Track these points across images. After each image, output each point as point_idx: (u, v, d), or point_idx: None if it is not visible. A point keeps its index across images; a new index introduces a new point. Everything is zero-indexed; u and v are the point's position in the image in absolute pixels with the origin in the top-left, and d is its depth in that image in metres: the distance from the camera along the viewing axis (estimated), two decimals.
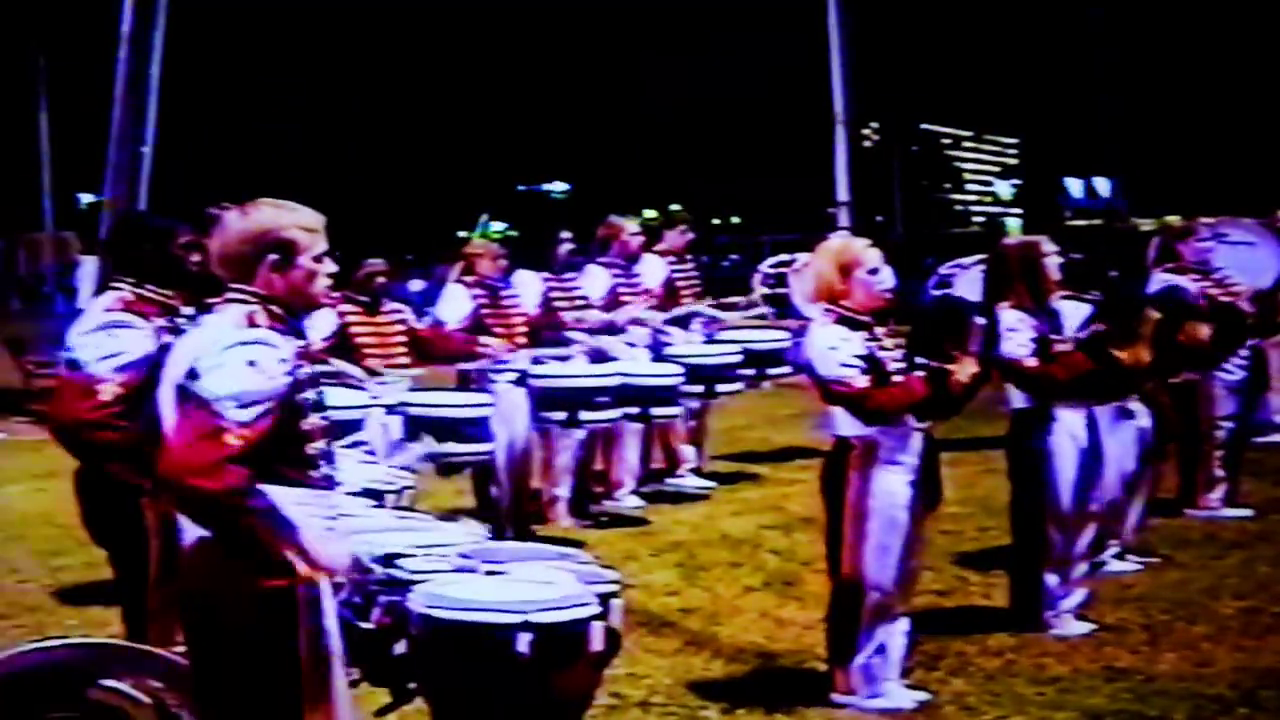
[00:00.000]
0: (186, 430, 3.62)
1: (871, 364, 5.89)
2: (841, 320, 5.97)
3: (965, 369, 5.95)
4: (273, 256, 3.82)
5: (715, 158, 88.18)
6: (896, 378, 5.92)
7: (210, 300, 5.23)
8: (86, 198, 50.84)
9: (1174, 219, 10.40)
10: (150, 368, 5.33)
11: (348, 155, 78.53)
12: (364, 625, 4.43)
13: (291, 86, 79.90)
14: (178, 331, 5.32)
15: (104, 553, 5.90)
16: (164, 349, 5.32)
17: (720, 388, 10.53)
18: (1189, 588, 7.77)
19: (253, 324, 3.74)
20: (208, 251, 5.35)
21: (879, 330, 6.04)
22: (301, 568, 3.72)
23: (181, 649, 4.20)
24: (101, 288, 6.10)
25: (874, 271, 6.02)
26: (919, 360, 5.99)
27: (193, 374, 3.68)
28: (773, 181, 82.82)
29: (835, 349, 5.91)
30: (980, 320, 6.60)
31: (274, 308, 3.81)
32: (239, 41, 72.94)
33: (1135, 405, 7.90)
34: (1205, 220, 10.40)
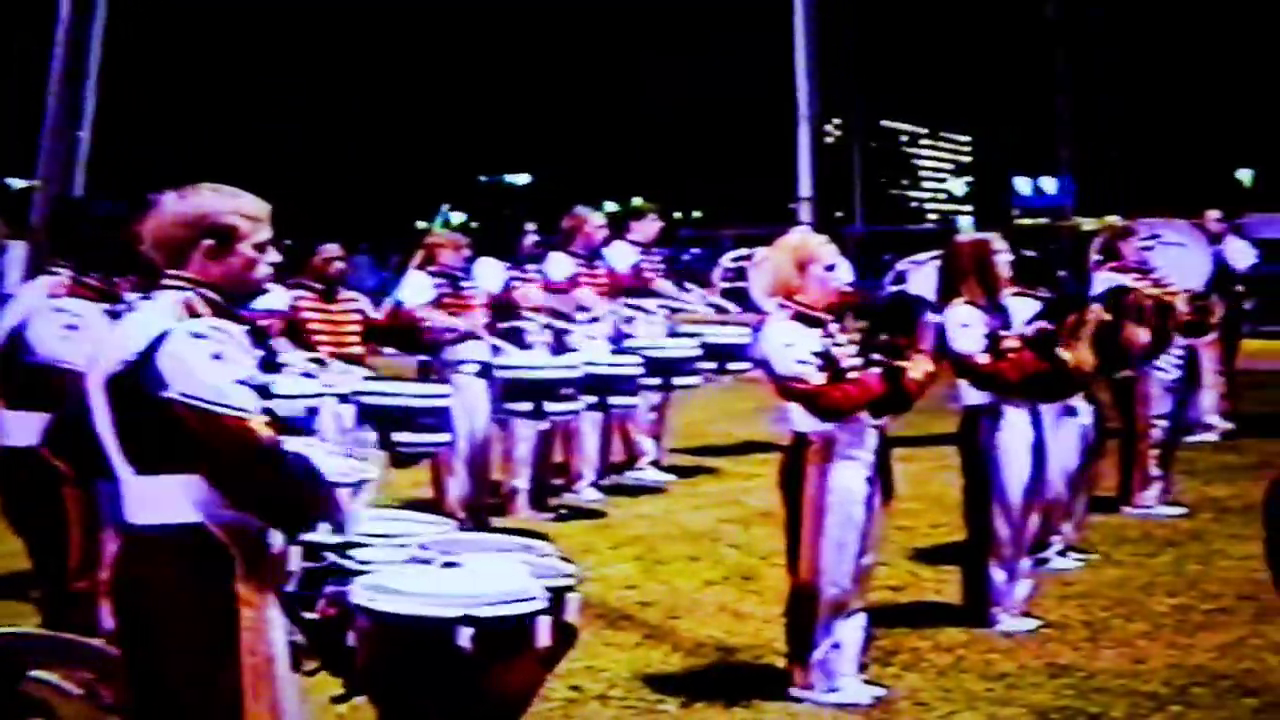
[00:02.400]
0: (228, 438, 3.55)
1: (826, 361, 5.92)
2: (797, 317, 6.00)
3: (919, 366, 6.00)
4: (208, 242, 3.73)
5: (682, 154, 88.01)
6: (852, 374, 5.96)
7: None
8: (17, 182, 50.14)
9: (1114, 219, 10.49)
10: None
11: (348, 155, 77.96)
12: (309, 615, 4.42)
13: (292, 86, 79.03)
14: (118, 318, 5.28)
15: (22, 542, 5.85)
16: None
17: (679, 380, 10.54)
18: (1127, 585, 7.89)
19: (191, 312, 3.66)
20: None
21: (834, 327, 6.08)
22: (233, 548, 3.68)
23: (102, 639, 4.19)
24: (33, 273, 6.04)
25: (830, 268, 6.05)
26: (874, 357, 6.03)
27: (157, 379, 3.57)
28: (735, 178, 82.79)
29: (790, 345, 5.94)
30: (932, 316, 6.66)
31: (211, 294, 3.72)
32: (239, 41, 72.36)
33: (1078, 403, 8.00)
34: (1143, 221, 10.51)
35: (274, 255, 3.86)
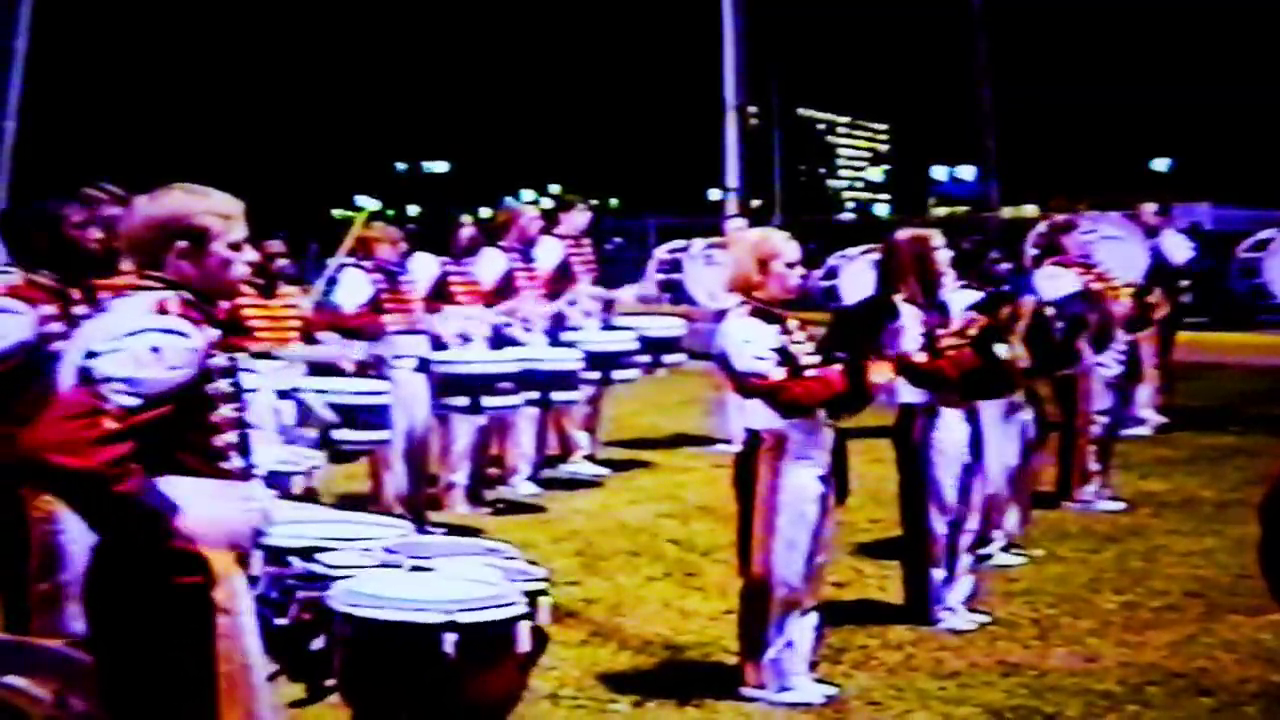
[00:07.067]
0: (62, 406, 3.47)
1: (785, 357, 5.91)
2: (756, 312, 5.99)
3: (881, 372, 6.00)
4: (182, 243, 3.70)
5: (599, 141, 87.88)
6: (810, 371, 5.95)
7: (103, 283, 5.10)
8: None
9: (1032, 209, 10.53)
10: (26, 354, 5.19)
11: (260, 140, 76.82)
12: (281, 621, 4.36)
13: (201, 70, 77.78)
14: (69, 319, 5.17)
15: None
16: (46, 337, 5.20)
17: (617, 374, 10.51)
18: (1071, 582, 7.93)
19: (163, 311, 3.61)
20: (107, 227, 5.24)
21: (792, 323, 6.06)
22: (208, 556, 3.58)
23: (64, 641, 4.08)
24: None
25: (792, 265, 6.04)
26: (837, 355, 6.02)
27: (90, 355, 3.53)
28: (655, 165, 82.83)
29: (750, 342, 5.93)
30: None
31: (186, 295, 3.68)
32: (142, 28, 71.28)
33: (1020, 399, 8.04)
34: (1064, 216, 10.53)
35: (249, 254, 3.81)
